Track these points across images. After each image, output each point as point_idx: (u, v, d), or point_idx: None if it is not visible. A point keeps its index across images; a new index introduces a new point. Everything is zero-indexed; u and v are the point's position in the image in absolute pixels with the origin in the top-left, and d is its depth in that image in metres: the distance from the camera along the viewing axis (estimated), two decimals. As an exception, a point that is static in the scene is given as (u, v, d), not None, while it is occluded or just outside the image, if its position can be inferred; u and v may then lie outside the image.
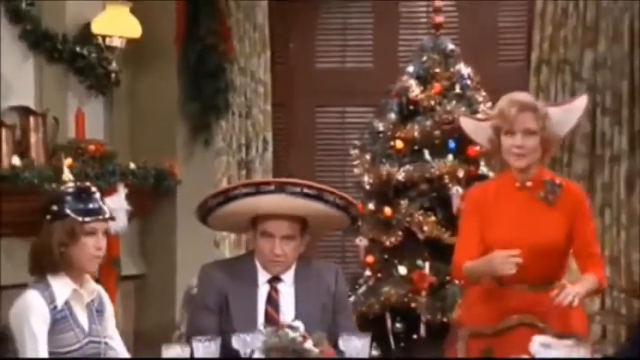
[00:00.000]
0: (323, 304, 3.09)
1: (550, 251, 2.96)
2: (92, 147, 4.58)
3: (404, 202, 4.88)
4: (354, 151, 5.14)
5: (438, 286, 4.75)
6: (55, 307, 2.75)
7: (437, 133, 4.92)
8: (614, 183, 5.62)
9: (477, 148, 4.69)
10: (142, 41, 4.91)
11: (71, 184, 3.04)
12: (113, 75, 4.83)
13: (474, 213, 3.05)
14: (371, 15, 6.06)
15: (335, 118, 6.11)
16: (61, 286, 2.78)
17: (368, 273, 4.96)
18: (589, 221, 3.06)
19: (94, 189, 2.88)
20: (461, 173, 4.82)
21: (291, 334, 2.65)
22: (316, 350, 2.65)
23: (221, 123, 5.47)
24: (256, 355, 2.67)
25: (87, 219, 2.79)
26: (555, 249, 2.98)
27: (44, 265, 2.79)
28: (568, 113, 3.08)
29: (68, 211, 2.78)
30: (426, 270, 4.76)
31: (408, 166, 4.92)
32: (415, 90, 5.03)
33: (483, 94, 5.03)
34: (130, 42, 4.85)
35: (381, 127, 5.07)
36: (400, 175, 4.90)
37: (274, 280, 3.10)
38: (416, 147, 4.96)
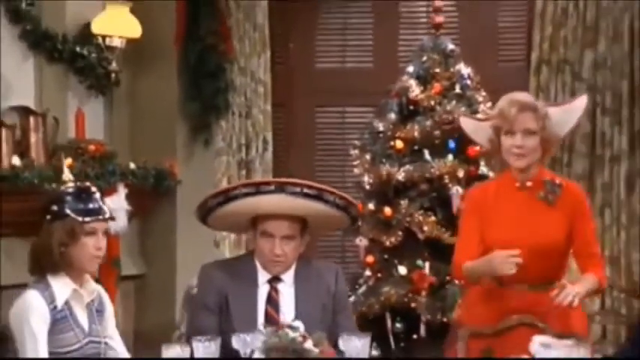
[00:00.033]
0: (323, 304, 3.09)
1: (550, 251, 2.96)
2: (92, 147, 4.58)
3: (404, 202, 4.88)
4: (354, 151, 5.14)
5: (438, 286, 4.75)
6: (55, 307, 2.76)
7: (437, 133, 4.92)
8: (614, 183, 5.62)
9: (477, 148, 4.70)
10: (141, 41, 4.91)
11: (71, 184, 3.04)
12: (113, 75, 4.83)
13: (473, 213, 3.06)
14: (371, 15, 6.07)
15: (335, 118, 6.11)
16: (61, 286, 2.78)
17: (368, 273, 4.96)
18: (589, 221, 3.06)
19: (94, 189, 2.88)
20: (461, 173, 4.82)
21: (291, 334, 2.65)
22: (316, 350, 2.65)
23: (221, 123, 5.48)
24: (256, 355, 2.67)
25: (87, 219, 2.79)
26: (555, 249, 2.98)
27: (44, 265, 2.79)
28: (568, 113, 3.08)
29: (68, 211, 2.78)
30: (426, 270, 4.76)
31: (408, 166, 4.92)
32: (415, 90, 5.03)
33: (483, 94, 5.03)
34: (130, 42, 4.86)
35: (381, 127, 5.07)
36: (400, 175, 4.91)
37: (274, 280, 3.10)
38: (416, 147, 4.97)
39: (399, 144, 4.96)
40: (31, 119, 4.39)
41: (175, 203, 5.10)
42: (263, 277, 3.10)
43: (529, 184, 3.00)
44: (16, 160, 4.14)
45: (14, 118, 4.36)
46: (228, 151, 5.64)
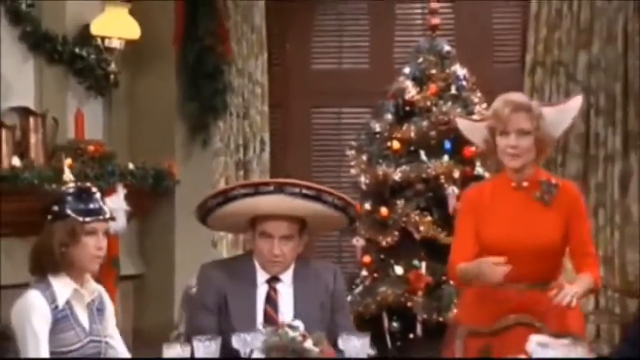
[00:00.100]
0: (321, 303, 3.09)
1: (546, 251, 2.97)
2: (91, 147, 4.60)
3: (400, 203, 4.89)
4: (351, 152, 5.15)
5: (434, 285, 4.76)
6: (56, 307, 2.76)
7: (433, 133, 4.94)
8: (608, 183, 5.64)
9: (473, 148, 4.72)
10: (140, 42, 4.93)
11: (72, 185, 3.05)
12: (112, 76, 4.85)
13: (469, 214, 3.06)
14: (367, 16, 6.07)
15: (331, 118, 6.11)
16: (62, 286, 2.79)
17: (364, 273, 4.97)
18: (585, 221, 3.07)
19: (94, 189, 2.89)
20: (456, 174, 4.83)
21: (291, 333, 2.65)
22: (316, 350, 2.65)
23: (219, 124, 5.49)
24: (256, 354, 2.67)
25: (87, 219, 2.80)
26: (551, 249, 2.98)
27: (45, 265, 2.80)
28: (563, 113, 3.09)
29: (69, 212, 2.79)
30: (422, 270, 4.77)
31: (404, 167, 4.93)
32: (411, 91, 5.04)
33: (479, 95, 5.04)
34: (129, 43, 4.87)
35: (377, 127, 5.08)
36: (396, 176, 4.92)
37: (273, 280, 3.11)
38: (412, 147, 4.98)
39: (396, 144, 4.98)
40: (31, 120, 4.41)
41: (174, 203, 5.11)
42: (262, 277, 3.10)
43: (525, 184, 3.01)
44: (16, 161, 4.15)
45: (14, 119, 4.37)
46: (225, 152, 5.65)
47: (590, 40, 5.65)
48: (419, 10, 5.94)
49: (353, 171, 5.11)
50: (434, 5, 5.25)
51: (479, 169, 4.87)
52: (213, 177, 5.50)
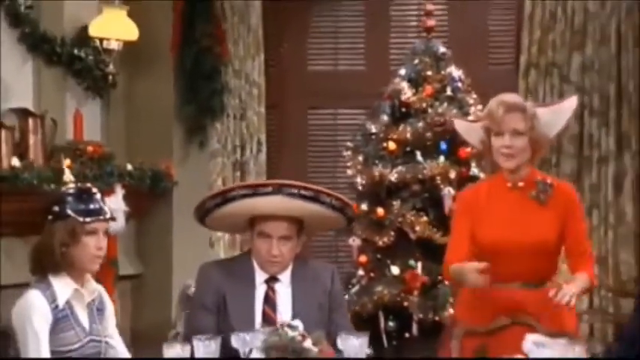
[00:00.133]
0: (319, 303, 3.11)
1: (542, 250, 2.98)
2: (90, 148, 4.60)
3: (396, 203, 4.90)
4: (347, 153, 5.15)
5: (430, 285, 4.77)
6: (57, 307, 2.77)
7: (429, 134, 4.95)
8: (602, 184, 5.64)
9: (468, 149, 4.74)
10: (138, 44, 4.94)
11: (72, 185, 3.07)
12: (110, 77, 4.86)
13: (465, 214, 3.07)
14: (363, 18, 6.05)
15: (327, 119, 6.09)
16: (63, 286, 2.80)
17: (361, 273, 4.98)
18: (580, 220, 3.08)
19: (94, 190, 2.90)
20: (452, 174, 4.84)
21: (291, 333, 2.66)
22: (315, 349, 2.66)
23: (216, 125, 5.48)
24: (255, 354, 2.68)
25: (88, 219, 2.81)
26: (547, 248, 2.99)
27: (46, 265, 2.81)
28: (557, 114, 3.10)
29: (69, 212, 2.80)
30: (418, 270, 4.78)
31: (400, 167, 4.94)
32: (407, 92, 5.05)
33: (474, 96, 5.05)
34: (127, 45, 4.89)
35: (373, 128, 5.08)
36: (392, 176, 4.92)
37: (271, 280, 3.12)
38: (408, 148, 4.99)
39: (392, 145, 4.98)
40: (30, 121, 4.41)
41: (171, 204, 5.12)
42: (260, 277, 3.12)
43: (521, 184, 3.02)
44: (15, 161, 4.15)
45: (13, 120, 4.38)
46: (223, 153, 5.63)
47: (584, 42, 5.65)
48: (414, 12, 5.92)
49: (349, 172, 5.12)
50: (429, 7, 5.27)
51: (474, 170, 4.88)
52: (211, 178, 5.49)
